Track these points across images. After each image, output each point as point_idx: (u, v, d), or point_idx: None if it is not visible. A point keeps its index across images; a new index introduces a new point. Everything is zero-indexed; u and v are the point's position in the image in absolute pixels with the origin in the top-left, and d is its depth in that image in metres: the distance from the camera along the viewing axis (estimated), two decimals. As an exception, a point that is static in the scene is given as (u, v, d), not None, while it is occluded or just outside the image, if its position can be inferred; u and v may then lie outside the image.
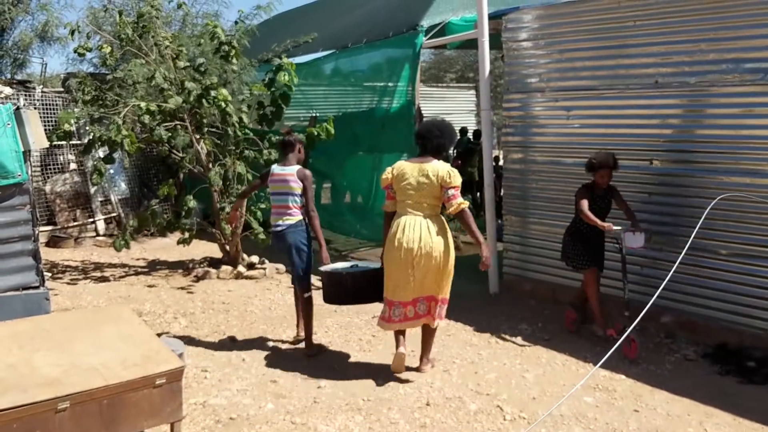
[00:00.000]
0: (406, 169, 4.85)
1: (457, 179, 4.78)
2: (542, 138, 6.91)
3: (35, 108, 9.68)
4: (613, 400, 4.56)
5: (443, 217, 4.91)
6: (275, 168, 5.55)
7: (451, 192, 4.73)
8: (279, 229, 5.40)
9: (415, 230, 4.73)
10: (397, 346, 4.97)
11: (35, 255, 4.45)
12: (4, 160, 4.18)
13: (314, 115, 9.99)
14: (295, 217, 5.37)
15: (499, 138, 7.59)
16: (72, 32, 7.75)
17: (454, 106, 18.89)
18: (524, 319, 6.26)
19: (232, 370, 5.06)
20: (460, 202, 4.73)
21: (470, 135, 13.35)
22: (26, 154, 4.31)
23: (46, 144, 5.02)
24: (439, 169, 4.76)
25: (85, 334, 3.83)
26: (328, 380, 4.81)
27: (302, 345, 5.54)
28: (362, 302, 5.36)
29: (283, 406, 4.39)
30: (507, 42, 7.10)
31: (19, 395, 3.20)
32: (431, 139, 4.86)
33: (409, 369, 4.98)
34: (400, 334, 5.02)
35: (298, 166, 5.47)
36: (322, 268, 5.39)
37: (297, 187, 5.35)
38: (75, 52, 7.88)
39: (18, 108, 4.22)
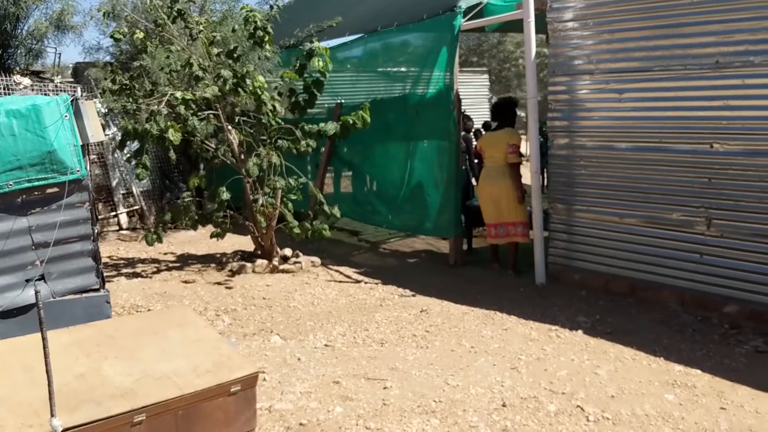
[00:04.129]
0: (489, 137, 7.46)
1: (514, 139, 7.20)
2: (591, 122, 6.65)
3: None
4: (695, 397, 4.33)
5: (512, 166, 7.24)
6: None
7: (510, 149, 7.15)
8: None
9: (492, 175, 7.22)
10: (492, 262, 7.61)
11: (95, 256, 4.20)
12: (63, 156, 3.92)
13: (340, 102, 9.72)
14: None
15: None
16: (105, 14, 7.49)
17: (466, 91, 18.52)
18: (580, 311, 6.02)
19: (290, 370, 4.82)
20: (513, 158, 7.15)
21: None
22: (84, 148, 4.07)
23: (103, 137, 4.75)
24: (506, 133, 7.26)
25: (151, 339, 3.60)
26: (392, 381, 4.58)
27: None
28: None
29: (353, 410, 4.16)
30: (552, 22, 6.82)
31: (94, 409, 2.98)
32: (504, 116, 7.42)
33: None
34: (494, 253, 7.58)
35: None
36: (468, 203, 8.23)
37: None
38: (111, 37, 7.58)
39: (76, 99, 3.97)
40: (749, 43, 5.46)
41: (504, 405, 4.21)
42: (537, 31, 6.81)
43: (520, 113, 10.23)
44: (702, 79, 5.77)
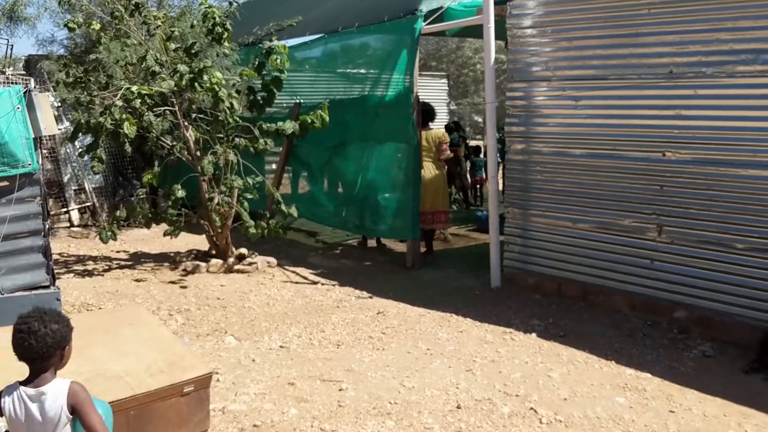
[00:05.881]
0: (425, 134, 8.08)
1: (446, 138, 8.38)
2: (547, 128, 6.73)
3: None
4: (645, 400, 4.41)
5: (441, 161, 8.31)
6: None
7: (443, 146, 8.20)
8: None
9: (431, 167, 8.11)
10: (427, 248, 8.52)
11: (45, 252, 4.10)
12: (14, 148, 3.81)
13: (299, 101, 9.67)
14: None
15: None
16: (61, 3, 7.33)
17: (425, 95, 18.52)
18: (534, 315, 6.10)
19: (244, 371, 4.78)
20: (447, 153, 8.29)
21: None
22: (36, 141, 3.96)
23: (56, 131, 4.64)
24: (437, 133, 8.33)
25: (103, 338, 3.53)
26: (348, 382, 4.57)
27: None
28: None
29: (308, 411, 4.14)
30: (511, 29, 6.89)
31: (43, 409, 2.89)
32: (429, 118, 8.35)
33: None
34: (428, 237, 8.48)
35: None
36: None
37: None
38: (65, 26, 7.40)
39: (29, 91, 3.86)
40: (702, 55, 5.58)
41: (459, 407, 4.24)
42: (496, 37, 6.88)
43: (478, 118, 10.46)
44: (656, 89, 5.89)
